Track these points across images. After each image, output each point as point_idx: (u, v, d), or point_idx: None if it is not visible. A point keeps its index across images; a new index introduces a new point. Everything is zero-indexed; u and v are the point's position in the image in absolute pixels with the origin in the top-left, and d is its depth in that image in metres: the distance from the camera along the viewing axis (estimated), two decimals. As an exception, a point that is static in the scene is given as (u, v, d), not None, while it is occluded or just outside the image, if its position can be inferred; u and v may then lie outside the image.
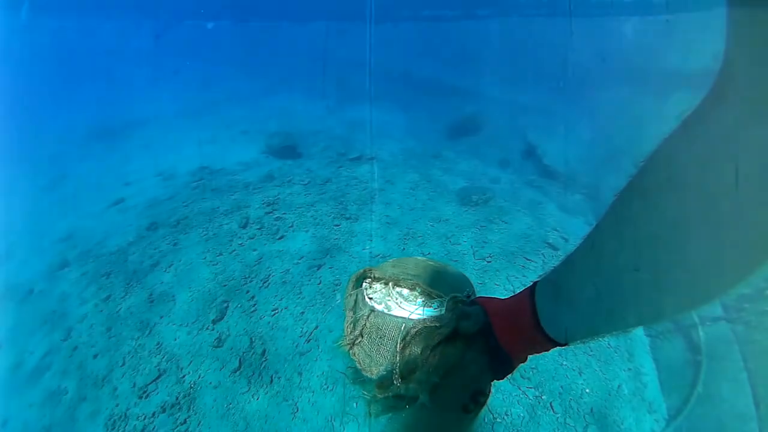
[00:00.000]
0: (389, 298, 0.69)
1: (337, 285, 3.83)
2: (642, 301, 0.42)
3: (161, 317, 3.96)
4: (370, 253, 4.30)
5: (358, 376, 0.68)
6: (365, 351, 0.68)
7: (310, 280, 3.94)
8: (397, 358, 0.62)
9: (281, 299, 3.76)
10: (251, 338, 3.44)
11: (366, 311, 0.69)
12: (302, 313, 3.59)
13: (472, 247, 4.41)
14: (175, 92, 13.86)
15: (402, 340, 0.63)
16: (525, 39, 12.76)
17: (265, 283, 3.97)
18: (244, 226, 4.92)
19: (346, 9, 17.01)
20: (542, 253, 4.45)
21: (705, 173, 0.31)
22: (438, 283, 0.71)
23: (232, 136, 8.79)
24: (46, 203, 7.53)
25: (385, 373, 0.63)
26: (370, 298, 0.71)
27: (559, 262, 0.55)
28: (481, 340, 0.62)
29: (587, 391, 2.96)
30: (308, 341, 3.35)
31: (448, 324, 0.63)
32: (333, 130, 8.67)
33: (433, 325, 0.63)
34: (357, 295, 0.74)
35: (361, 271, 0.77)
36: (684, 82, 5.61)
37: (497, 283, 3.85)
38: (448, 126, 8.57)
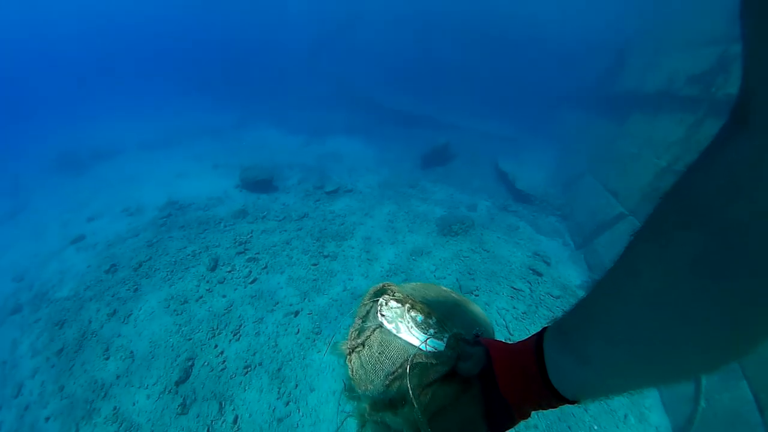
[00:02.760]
0: (401, 320, 0.67)
1: (316, 334, 3.53)
2: (664, 356, 0.37)
3: (118, 377, 3.51)
4: (352, 294, 4.05)
5: (353, 393, 0.64)
6: (361, 362, 0.65)
7: (286, 330, 3.62)
8: (389, 385, 0.59)
9: (254, 354, 3.40)
10: (221, 403, 3.05)
11: (374, 324, 0.68)
12: (279, 369, 3.24)
13: (457, 280, 4.30)
14: (146, 123, 13.44)
15: (398, 368, 0.60)
16: (488, 73, 13.56)
17: (235, 335, 3.60)
18: (213, 269, 4.57)
19: (320, 44, 17.55)
20: (528, 281, 4.46)
21: (729, 207, 0.29)
22: (454, 318, 0.69)
23: (204, 169, 8.48)
24: (1, 237, 6.84)
25: (374, 393, 0.61)
26: (383, 315, 0.69)
27: (571, 306, 0.49)
28: (480, 385, 0.58)
29: (595, 428, 2.83)
30: (287, 404, 2.99)
31: (446, 362, 0.59)
32: (308, 162, 8.56)
33: (429, 361, 0.59)
34: (371, 307, 0.73)
35: (381, 285, 0.76)
36: (641, 103, 5.95)
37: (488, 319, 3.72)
38: (421, 156, 8.71)
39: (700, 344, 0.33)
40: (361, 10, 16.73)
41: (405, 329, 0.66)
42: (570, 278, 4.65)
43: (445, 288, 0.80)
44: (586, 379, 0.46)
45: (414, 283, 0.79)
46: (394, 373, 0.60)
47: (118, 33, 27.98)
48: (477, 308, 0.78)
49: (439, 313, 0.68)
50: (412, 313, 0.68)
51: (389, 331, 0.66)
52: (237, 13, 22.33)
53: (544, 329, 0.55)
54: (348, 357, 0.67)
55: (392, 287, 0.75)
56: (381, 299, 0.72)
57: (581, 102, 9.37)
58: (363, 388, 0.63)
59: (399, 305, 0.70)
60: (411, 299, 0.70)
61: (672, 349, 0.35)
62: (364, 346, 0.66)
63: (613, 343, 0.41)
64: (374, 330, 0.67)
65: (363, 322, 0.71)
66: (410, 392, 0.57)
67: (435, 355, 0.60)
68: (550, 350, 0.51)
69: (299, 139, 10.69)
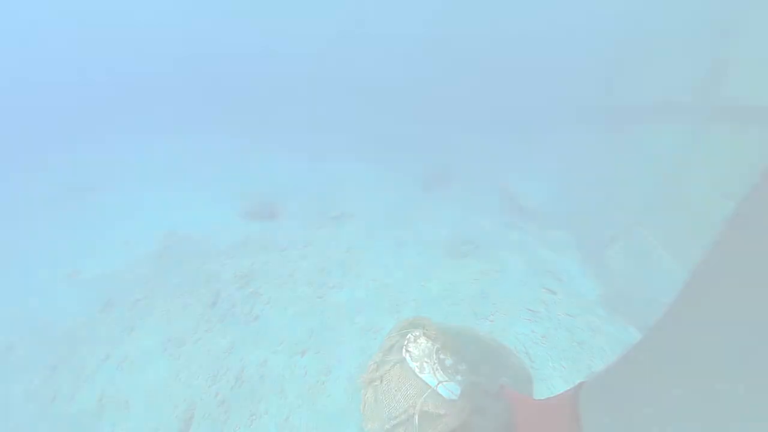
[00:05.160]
0: (428, 360, 0.71)
1: (326, 375, 3.28)
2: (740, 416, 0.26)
3: (113, 428, 3.23)
4: (362, 328, 3.83)
5: None
6: (376, 395, 0.66)
7: (293, 372, 3.35)
8: (391, 430, 0.50)
9: (259, 401, 3.12)
10: (223, 460, 2.78)
11: (396, 359, 0.67)
12: (287, 418, 2.96)
13: (471, 305, 4.09)
14: (144, 151, 13.43)
15: (402, 413, 0.59)
16: (487, 89, 13.77)
17: (238, 380, 3.34)
18: (213, 305, 4.35)
19: (321, 67, 17.95)
20: (543, 301, 4.31)
21: None
22: (487, 366, 0.67)
23: (204, 198, 8.35)
24: (-7, 269, 6.59)
25: None
26: (408, 351, 0.72)
27: (614, 360, 0.45)
28: None
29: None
30: (296, 459, 2.72)
31: (456, 415, 0.58)
32: (310, 188, 8.48)
33: (437, 411, 0.57)
34: (396, 341, 0.72)
35: (413, 318, 0.74)
36: (637, 117, 5.97)
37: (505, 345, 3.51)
38: (423, 177, 8.67)
39: None
40: (357, 31, 17.23)
41: (429, 370, 0.59)
42: (585, 294, 4.53)
43: (486, 335, 0.74)
44: None
45: (451, 324, 0.71)
46: (397, 417, 0.51)
47: (122, 55, 28.47)
48: (518, 360, 0.71)
49: (471, 360, 0.60)
50: (441, 355, 0.62)
51: (411, 369, 0.59)
52: (237, 34, 22.84)
53: (580, 386, 0.50)
54: (364, 389, 0.58)
55: (425, 322, 0.70)
56: (411, 334, 0.65)
57: (581, 115, 9.42)
58: (368, 425, 0.54)
59: (429, 343, 0.63)
60: (443, 340, 0.63)
61: (745, 404, 0.28)
62: (381, 381, 0.59)
63: (667, 398, 0.30)
64: (394, 365, 0.60)
65: (385, 355, 0.64)
66: None
67: (445, 404, 0.51)
68: (589, 409, 0.44)
69: (300, 165, 10.66)
